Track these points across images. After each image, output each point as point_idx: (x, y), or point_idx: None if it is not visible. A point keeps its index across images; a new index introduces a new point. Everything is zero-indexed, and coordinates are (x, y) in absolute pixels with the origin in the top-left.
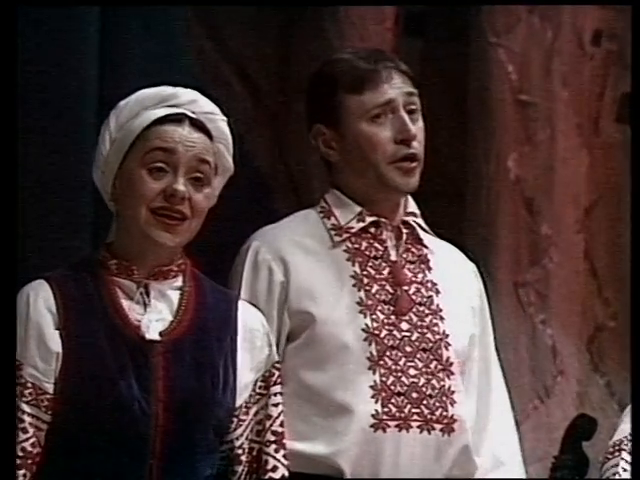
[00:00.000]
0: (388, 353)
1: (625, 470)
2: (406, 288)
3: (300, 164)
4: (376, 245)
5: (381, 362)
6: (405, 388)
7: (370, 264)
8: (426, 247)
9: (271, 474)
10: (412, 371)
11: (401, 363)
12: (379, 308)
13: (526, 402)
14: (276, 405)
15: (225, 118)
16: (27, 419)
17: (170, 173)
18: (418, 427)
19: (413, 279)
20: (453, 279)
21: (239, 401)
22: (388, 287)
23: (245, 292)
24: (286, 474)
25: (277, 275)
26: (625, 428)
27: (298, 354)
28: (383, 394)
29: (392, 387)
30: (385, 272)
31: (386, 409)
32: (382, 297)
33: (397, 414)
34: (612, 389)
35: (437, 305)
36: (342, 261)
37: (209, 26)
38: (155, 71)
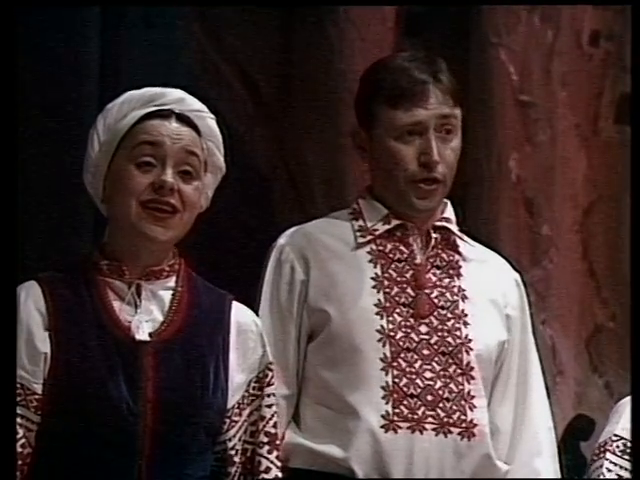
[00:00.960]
0: (403, 355)
1: (610, 471)
2: (428, 291)
3: (300, 164)
4: (401, 248)
5: (395, 364)
6: (419, 390)
7: (393, 266)
8: (459, 254)
9: (264, 475)
10: (428, 374)
11: (416, 365)
12: (397, 310)
13: None
14: (269, 406)
15: (214, 116)
16: (17, 420)
17: (158, 166)
18: (433, 430)
19: (437, 283)
20: (486, 287)
21: (231, 402)
22: (409, 290)
23: (267, 290)
24: (279, 475)
25: (298, 273)
26: (610, 429)
27: (317, 353)
28: (395, 395)
29: (405, 389)
30: (408, 275)
31: (397, 410)
32: (402, 300)
33: (409, 416)
34: (611, 389)
35: (462, 310)
36: (364, 262)
37: (209, 26)
38: (156, 72)
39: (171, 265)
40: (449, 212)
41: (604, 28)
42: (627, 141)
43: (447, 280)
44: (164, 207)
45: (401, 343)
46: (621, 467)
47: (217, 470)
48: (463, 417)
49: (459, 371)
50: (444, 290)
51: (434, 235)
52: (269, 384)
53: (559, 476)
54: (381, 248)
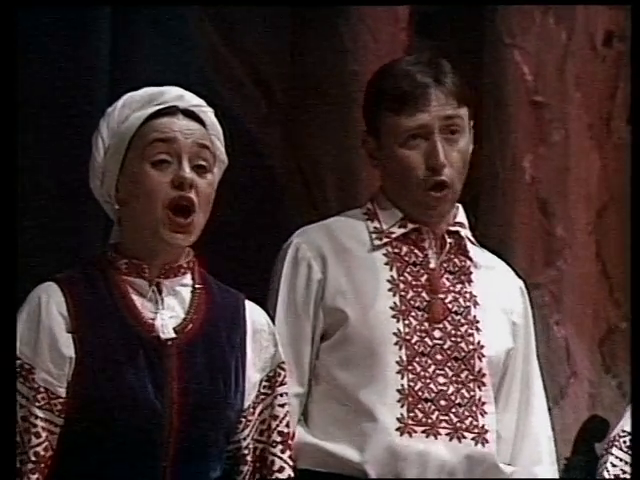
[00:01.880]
0: (418, 359)
1: (614, 466)
2: (442, 296)
3: (313, 164)
4: (416, 252)
5: (410, 367)
6: (433, 395)
7: (408, 270)
8: (470, 259)
9: (277, 475)
10: (441, 379)
11: (430, 370)
12: (412, 314)
13: None
14: (282, 405)
15: (212, 110)
16: (40, 424)
17: (174, 163)
18: (447, 434)
19: (451, 288)
20: (495, 293)
21: (247, 402)
22: (424, 294)
23: (284, 288)
24: (292, 474)
25: (316, 272)
26: (621, 424)
27: (331, 353)
28: (410, 399)
29: (420, 393)
30: (422, 279)
31: (412, 414)
32: (417, 304)
33: (424, 420)
34: (624, 390)
35: (474, 316)
36: (380, 265)
37: (222, 26)
38: (168, 72)
39: (187, 262)
40: (462, 217)
41: (618, 29)
42: None
43: (459, 286)
44: (185, 203)
45: (416, 347)
46: (626, 462)
47: (229, 469)
48: (475, 423)
49: (471, 377)
50: (457, 295)
51: (449, 240)
52: (282, 383)
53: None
54: (397, 251)
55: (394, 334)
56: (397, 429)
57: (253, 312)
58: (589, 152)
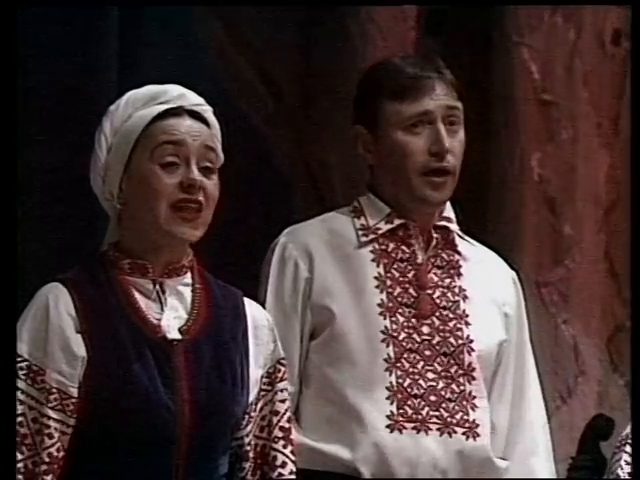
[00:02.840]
0: (406, 355)
1: (628, 463)
2: (430, 292)
3: (321, 163)
4: (403, 247)
5: (398, 364)
6: (422, 391)
7: (395, 266)
8: (459, 253)
9: (280, 470)
10: (430, 375)
11: (419, 366)
12: (399, 310)
13: (549, 402)
14: (283, 401)
15: (211, 108)
16: (53, 424)
17: (182, 165)
18: (438, 430)
19: (439, 283)
20: (485, 286)
21: (250, 398)
22: (411, 290)
23: (271, 287)
24: (294, 469)
25: (302, 271)
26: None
27: (320, 352)
28: (399, 396)
29: (409, 389)
30: (410, 275)
31: (402, 411)
32: (404, 300)
33: (414, 416)
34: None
35: (463, 310)
36: (367, 262)
37: (230, 26)
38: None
39: (189, 261)
40: (449, 211)
41: (626, 27)
42: None
43: (448, 280)
44: (193, 205)
45: (404, 344)
46: None
47: (231, 466)
48: (465, 417)
49: (461, 372)
50: (445, 290)
51: (435, 235)
52: (282, 379)
53: (555, 476)
54: (383, 247)
55: (381, 331)
56: (387, 426)
57: (252, 308)
58: (597, 151)
